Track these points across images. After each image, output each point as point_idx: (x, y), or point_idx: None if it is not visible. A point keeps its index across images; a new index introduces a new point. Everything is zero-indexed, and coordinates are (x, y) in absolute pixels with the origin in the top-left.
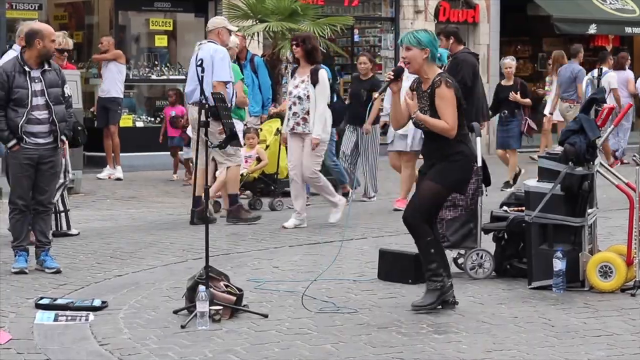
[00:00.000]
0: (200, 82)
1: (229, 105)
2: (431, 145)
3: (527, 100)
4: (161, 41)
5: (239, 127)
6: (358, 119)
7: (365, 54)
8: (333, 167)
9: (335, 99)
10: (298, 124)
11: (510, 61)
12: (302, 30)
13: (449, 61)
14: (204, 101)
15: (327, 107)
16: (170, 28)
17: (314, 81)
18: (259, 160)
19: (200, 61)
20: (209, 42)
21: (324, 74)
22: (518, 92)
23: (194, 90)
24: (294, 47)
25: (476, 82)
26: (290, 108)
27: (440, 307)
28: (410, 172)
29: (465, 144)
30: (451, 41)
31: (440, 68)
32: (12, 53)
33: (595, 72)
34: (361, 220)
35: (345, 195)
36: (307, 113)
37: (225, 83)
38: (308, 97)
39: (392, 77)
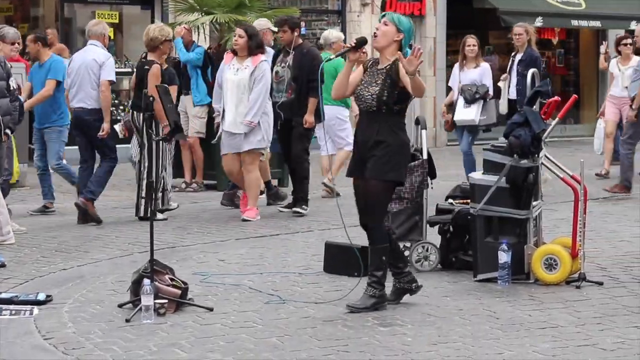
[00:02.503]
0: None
1: None
2: (372, 126)
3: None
4: None
5: (344, 114)
6: None
7: None
8: (57, 168)
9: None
10: None
11: None
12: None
13: (293, 53)
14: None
15: None
16: (117, 20)
17: None
18: None
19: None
20: None
21: None
22: None
23: None
24: None
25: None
26: None
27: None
28: (255, 175)
29: (403, 131)
30: (296, 34)
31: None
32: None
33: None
34: (307, 213)
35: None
36: None
37: None
38: None
39: (354, 44)
